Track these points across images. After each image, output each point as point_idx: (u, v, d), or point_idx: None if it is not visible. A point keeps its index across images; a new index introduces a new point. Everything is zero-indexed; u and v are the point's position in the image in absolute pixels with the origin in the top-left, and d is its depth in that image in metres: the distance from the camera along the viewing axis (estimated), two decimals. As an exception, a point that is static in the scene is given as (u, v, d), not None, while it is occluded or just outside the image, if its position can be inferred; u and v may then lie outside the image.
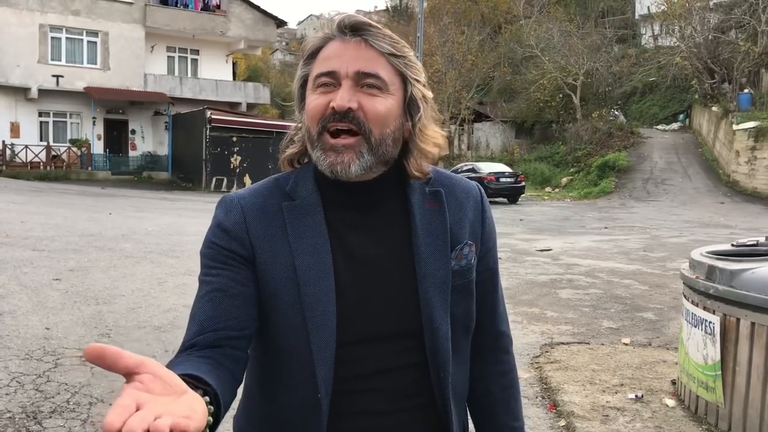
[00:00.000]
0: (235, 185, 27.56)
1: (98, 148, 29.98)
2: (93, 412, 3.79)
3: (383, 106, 1.08)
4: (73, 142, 29.34)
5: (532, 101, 35.19)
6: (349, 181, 1.11)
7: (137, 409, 0.66)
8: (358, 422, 1.14)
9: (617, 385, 4.41)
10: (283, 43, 74.25)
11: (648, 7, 37.57)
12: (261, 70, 54.26)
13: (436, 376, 1.15)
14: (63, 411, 3.78)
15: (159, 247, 10.09)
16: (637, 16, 42.11)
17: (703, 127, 31.00)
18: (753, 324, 3.42)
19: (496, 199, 24.41)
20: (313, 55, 1.13)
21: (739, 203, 21.94)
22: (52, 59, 28.62)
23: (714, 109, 28.33)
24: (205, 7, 32.52)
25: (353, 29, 1.09)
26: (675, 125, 34.66)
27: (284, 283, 1.10)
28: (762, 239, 4.14)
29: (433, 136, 1.16)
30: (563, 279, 8.63)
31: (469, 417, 1.30)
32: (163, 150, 31.43)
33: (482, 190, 1.29)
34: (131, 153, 31.36)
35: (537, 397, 4.28)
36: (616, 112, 35.51)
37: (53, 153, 28.46)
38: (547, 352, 5.26)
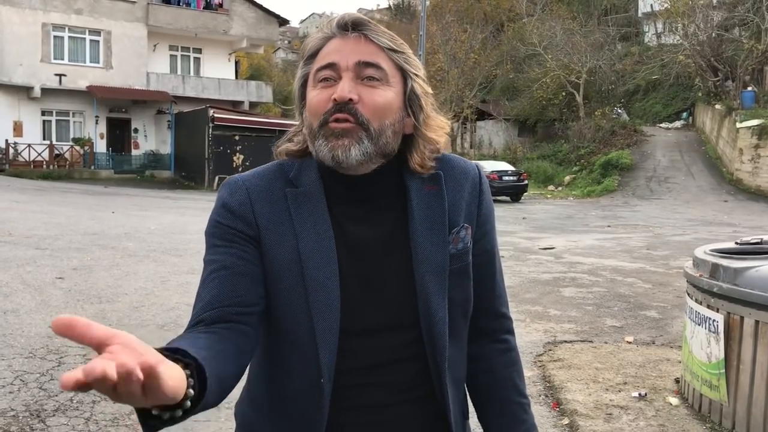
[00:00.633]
0: (237, 184, 27.54)
1: (101, 147, 30.02)
2: (96, 410, 3.80)
3: (382, 98, 1.10)
4: (76, 141, 29.38)
5: (534, 99, 35.14)
6: (349, 174, 1.12)
7: None
8: (358, 415, 1.14)
9: (620, 384, 4.41)
10: (286, 42, 74.28)
11: (651, 5, 37.51)
12: (263, 68, 54.27)
13: (434, 364, 1.15)
14: (66, 409, 3.79)
15: (162, 245, 10.10)
16: (640, 14, 42.03)
17: (706, 125, 30.93)
18: (757, 322, 3.41)
19: (499, 198, 24.38)
20: (313, 55, 1.14)
21: (743, 201, 21.90)
22: (54, 58, 28.66)
23: (717, 107, 28.27)
24: (208, 6, 32.53)
25: (353, 25, 1.11)
26: (678, 123, 34.59)
27: (288, 266, 1.11)
28: (766, 237, 4.12)
29: (440, 125, 1.18)
30: (566, 277, 8.62)
31: (469, 400, 1.29)
32: (166, 149, 31.45)
33: (481, 171, 1.28)
34: (134, 152, 31.40)
35: (540, 396, 4.27)
36: (619, 110, 35.44)
37: (56, 152, 28.50)
38: (550, 350, 5.25)
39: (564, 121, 34.66)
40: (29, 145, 27.77)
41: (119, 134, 31.19)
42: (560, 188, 29.49)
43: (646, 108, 36.88)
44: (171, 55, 32.68)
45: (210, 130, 27.62)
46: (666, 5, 32.55)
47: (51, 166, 27.94)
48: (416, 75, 1.14)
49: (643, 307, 6.89)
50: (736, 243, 4.14)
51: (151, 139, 31.95)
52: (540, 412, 3.97)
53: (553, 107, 34.91)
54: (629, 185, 26.64)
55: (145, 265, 8.46)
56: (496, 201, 23.80)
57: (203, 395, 0.87)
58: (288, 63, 64.57)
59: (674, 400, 4.09)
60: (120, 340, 0.70)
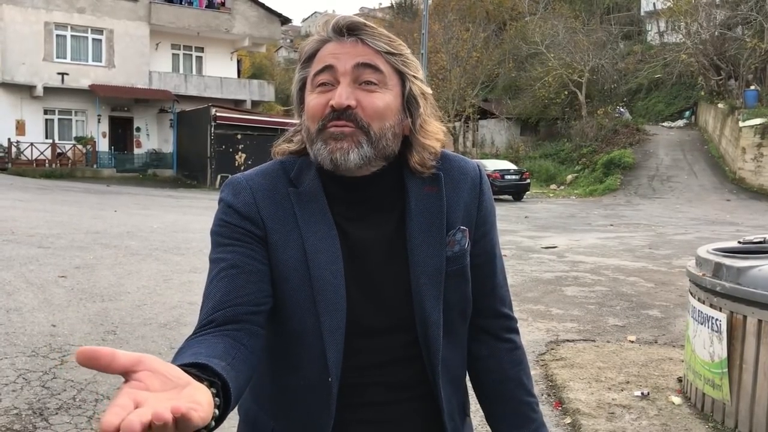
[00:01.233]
0: (239, 183, 27.56)
1: (103, 145, 30.05)
2: (99, 408, 3.80)
3: (381, 101, 1.09)
4: (78, 139, 29.41)
5: (537, 98, 35.11)
6: (348, 176, 1.12)
7: (136, 407, 0.64)
8: (361, 412, 1.16)
9: (623, 383, 4.40)
10: (288, 41, 74.24)
11: (654, 4, 37.46)
12: (265, 67, 54.27)
13: (429, 365, 1.17)
14: (69, 408, 3.79)
15: (164, 244, 10.11)
16: (642, 13, 41.96)
17: (709, 124, 30.88)
18: (760, 321, 3.41)
19: (501, 197, 24.37)
20: (310, 58, 1.14)
21: (745, 200, 21.87)
22: (57, 57, 28.69)
23: (720, 105, 28.22)
24: (210, 5, 32.54)
25: (348, 30, 1.10)
26: (681, 122, 34.54)
27: (295, 266, 1.11)
28: (769, 236, 4.12)
29: (435, 132, 1.17)
30: (569, 276, 8.62)
31: (476, 398, 1.30)
32: (168, 147, 31.47)
33: (482, 171, 1.27)
34: (136, 150, 31.42)
35: (542, 395, 4.27)
36: (622, 109, 35.39)
37: (58, 151, 28.53)
38: (552, 349, 5.25)
39: (566, 120, 34.63)
40: (32, 144, 27.80)
41: (121, 133, 31.22)
42: (562, 187, 29.47)
43: (649, 107, 36.83)
44: (173, 54, 32.70)
45: (212, 129, 27.63)
46: (669, 4, 32.51)
47: (53, 165, 27.97)
48: (414, 77, 1.14)
49: (645, 306, 6.88)
50: (739, 242, 4.14)
51: (154, 137, 31.97)
52: (542, 411, 3.97)
53: (556, 106, 34.87)
54: (631, 184, 26.62)
55: (147, 263, 8.47)
56: (498, 200, 23.90)
57: (227, 411, 0.86)
58: (290, 62, 64.56)
59: (677, 400, 4.09)
60: (146, 366, 0.69)
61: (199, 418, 0.67)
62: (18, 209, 13.86)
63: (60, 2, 28.62)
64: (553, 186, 29.88)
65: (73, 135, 29.76)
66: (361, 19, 1.12)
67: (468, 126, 40.05)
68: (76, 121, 30.21)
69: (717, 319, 3.64)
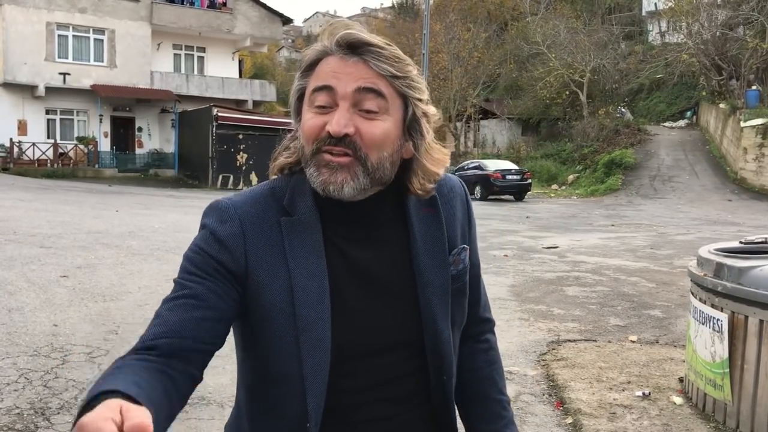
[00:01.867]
0: (241, 182, 27.61)
1: (105, 145, 30.08)
2: (100, 408, 3.81)
3: (380, 129, 1.05)
4: (80, 139, 29.44)
5: (538, 98, 35.10)
6: (346, 200, 1.08)
7: None
8: (367, 427, 1.14)
9: (624, 383, 4.40)
10: (289, 41, 74.30)
11: (655, 4, 37.43)
12: (267, 67, 54.33)
13: (438, 379, 1.17)
14: (71, 407, 3.80)
15: (166, 244, 10.11)
16: (644, 13, 41.94)
17: (710, 124, 30.86)
18: (761, 321, 3.41)
19: (502, 197, 24.37)
20: (311, 67, 1.09)
21: (747, 200, 21.85)
22: (59, 57, 28.72)
23: (721, 106, 28.20)
24: (211, 5, 32.57)
25: (353, 47, 1.04)
26: (682, 122, 34.52)
27: (281, 307, 1.06)
28: (770, 236, 4.12)
29: (441, 159, 1.14)
30: (570, 276, 8.62)
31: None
32: (170, 147, 31.50)
33: (464, 184, 1.29)
34: (138, 150, 31.45)
35: (544, 395, 4.27)
36: (623, 110, 35.39)
37: (60, 150, 28.56)
38: (553, 349, 5.25)
39: (567, 120, 34.62)
40: (33, 144, 27.84)
41: (123, 133, 31.25)
42: (564, 187, 29.46)
43: (650, 107, 36.81)
44: (175, 54, 32.73)
45: (214, 128, 27.65)
46: (670, 4, 32.48)
47: (55, 165, 28.01)
48: (419, 99, 1.09)
49: (646, 307, 6.88)
50: (741, 242, 4.14)
51: (155, 137, 32.00)
52: (544, 411, 3.98)
53: (557, 106, 34.86)
54: (633, 184, 26.61)
55: (149, 263, 8.48)
56: (499, 200, 23.92)
57: None
58: (292, 62, 64.60)
59: (678, 400, 4.08)
60: None
61: None
62: (20, 209, 13.88)
63: (61, 2, 28.65)
64: (554, 186, 29.88)
65: (75, 135, 29.79)
66: (368, 37, 1.05)
67: (469, 126, 40.06)
68: (78, 121, 30.24)
69: (718, 319, 3.64)
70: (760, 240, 4.03)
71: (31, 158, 27.92)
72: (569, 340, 5.53)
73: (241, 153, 28.09)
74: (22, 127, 28.60)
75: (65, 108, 29.74)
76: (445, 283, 1.16)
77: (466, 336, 1.28)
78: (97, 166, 29.23)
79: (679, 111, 35.37)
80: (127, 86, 29.81)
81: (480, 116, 39.27)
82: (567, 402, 4.08)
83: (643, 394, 4.18)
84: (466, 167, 26.00)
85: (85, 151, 29.21)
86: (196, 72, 33.18)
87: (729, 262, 3.65)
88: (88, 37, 29.52)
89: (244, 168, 28.03)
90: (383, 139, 1.05)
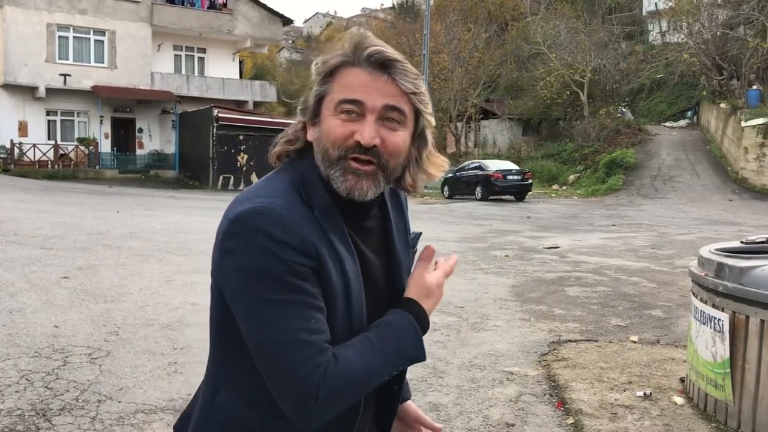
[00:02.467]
0: (242, 183, 27.61)
1: (105, 146, 30.10)
2: (101, 409, 3.81)
3: (401, 139, 1.17)
4: (81, 140, 29.47)
5: (539, 98, 35.10)
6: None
7: None
8: (369, 407, 1.27)
9: (625, 383, 4.40)
10: (290, 41, 74.31)
11: (656, 4, 37.42)
12: (267, 68, 54.35)
13: None
14: (72, 408, 3.80)
15: (167, 245, 10.12)
16: (644, 13, 41.93)
17: (711, 123, 30.85)
18: (762, 321, 3.40)
19: (503, 197, 24.36)
20: (332, 73, 1.16)
21: (748, 200, 21.84)
22: (59, 58, 28.74)
23: (722, 105, 28.19)
24: (212, 6, 32.59)
25: (383, 65, 1.15)
26: (683, 122, 34.52)
27: (341, 290, 1.14)
28: (771, 236, 4.11)
29: (440, 164, 1.28)
30: (571, 276, 8.61)
31: None
32: (170, 148, 31.52)
33: None
34: (138, 151, 31.47)
35: (545, 395, 4.26)
36: (624, 109, 35.39)
37: (61, 152, 28.58)
38: (555, 349, 5.25)
39: (568, 120, 34.62)
40: (34, 145, 27.86)
41: (124, 134, 31.27)
42: (564, 187, 29.46)
43: (651, 107, 36.81)
44: (175, 55, 32.76)
45: (214, 129, 27.67)
46: (671, 4, 32.47)
47: (56, 166, 28.03)
48: (430, 114, 1.22)
49: (648, 307, 6.87)
50: (742, 242, 4.13)
51: (156, 138, 32.02)
52: (545, 412, 3.98)
53: (558, 106, 34.86)
54: (634, 184, 26.60)
55: (149, 264, 8.48)
56: (500, 200, 23.91)
57: None
58: (292, 62, 64.62)
59: (679, 400, 4.08)
60: None
61: None
62: (20, 210, 13.89)
63: (62, 3, 28.67)
64: (555, 186, 29.87)
65: (76, 136, 29.82)
66: (396, 55, 1.17)
67: (470, 126, 40.06)
68: (79, 122, 30.26)
69: (719, 320, 3.64)
70: (761, 240, 4.03)
71: (32, 159, 27.94)
72: (570, 341, 5.53)
73: (241, 154, 28.10)
74: (23, 129, 28.61)
75: (66, 109, 29.76)
76: (409, 265, 1.32)
77: None
78: (97, 167, 29.25)
79: (680, 111, 35.36)
80: (128, 87, 29.84)
81: (480, 116, 39.27)
82: (568, 402, 4.07)
83: (645, 394, 4.18)
84: (466, 168, 25.99)
85: (86, 152, 29.23)
86: (196, 73, 33.21)
87: (730, 262, 3.65)
88: (89, 38, 29.54)
89: (244, 169, 28.04)
90: (402, 148, 1.18)
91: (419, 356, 1.20)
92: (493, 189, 23.93)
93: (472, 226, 14.97)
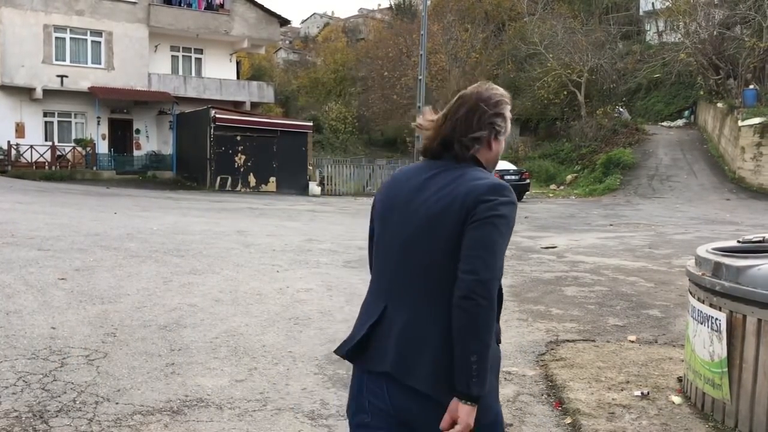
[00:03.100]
0: (239, 184, 27.59)
1: (103, 147, 30.04)
2: (99, 411, 3.80)
3: None
4: (78, 141, 29.41)
5: (536, 99, 35.12)
6: None
7: None
8: None
9: (623, 383, 4.40)
10: (287, 42, 74.22)
11: (652, 3, 37.47)
12: (265, 68, 54.24)
13: None
14: (69, 410, 3.79)
15: (164, 246, 10.10)
16: (641, 13, 41.98)
17: (708, 123, 30.90)
18: (760, 321, 3.41)
19: (501, 197, 24.26)
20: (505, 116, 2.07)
21: (745, 200, 21.88)
22: (56, 59, 28.68)
23: (719, 105, 28.24)
24: (209, 7, 32.54)
25: None
26: (680, 122, 34.56)
27: None
28: (768, 235, 4.12)
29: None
30: (568, 276, 8.62)
31: None
32: (168, 149, 31.48)
33: None
34: (136, 152, 31.42)
35: (542, 395, 4.27)
36: (621, 109, 35.42)
37: (58, 153, 28.53)
38: (552, 349, 5.25)
39: (566, 120, 34.66)
40: (31, 147, 27.80)
41: (121, 135, 31.22)
42: (562, 187, 29.48)
43: (648, 106, 36.85)
44: (172, 56, 32.71)
45: (212, 130, 27.63)
46: (667, 3, 32.55)
47: (53, 167, 27.97)
48: None
49: (645, 306, 6.88)
50: (739, 241, 4.14)
51: (153, 139, 31.98)
52: (542, 412, 3.98)
53: (555, 106, 34.88)
54: (631, 184, 26.63)
55: (147, 265, 8.47)
56: (497, 200, 23.82)
57: None
58: (289, 63, 64.54)
59: (677, 399, 4.09)
60: None
61: None
62: (18, 212, 13.86)
63: (59, 5, 28.62)
64: (552, 186, 29.89)
65: (73, 137, 29.76)
66: None
67: (467, 126, 39.98)
68: (76, 123, 30.21)
69: (717, 319, 3.64)
70: (757, 239, 4.03)
71: (29, 161, 27.88)
72: (568, 340, 5.53)
73: (239, 154, 28.06)
74: (20, 130, 28.56)
75: (63, 110, 29.71)
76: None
77: None
78: (95, 168, 29.20)
79: (677, 110, 35.41)
80: (125, 88, 29.79)
81: (478, 117, 39.23)
82: (566, 402, 4.08)
83: (642, 393, 4.18)
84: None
85: (83, 153, 29.18)
86: (193, 74, 33.16)
87: (727, 261, 3.65)
88: (86, 39, 29.49)
89: (242, 169, 28.01)
90: None
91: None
92: None
93: (470, 226, 14.94)
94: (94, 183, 26.47)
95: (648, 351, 5.23)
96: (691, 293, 4.06)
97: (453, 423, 1.76)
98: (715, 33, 28.60)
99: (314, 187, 27.99)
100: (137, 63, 30.21)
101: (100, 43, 29.72)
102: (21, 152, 27.89)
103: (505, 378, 4.53)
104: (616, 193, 25.71)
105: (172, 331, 5.50)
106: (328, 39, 60.19)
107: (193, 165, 29.27)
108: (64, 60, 28.89)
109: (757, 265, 3.47)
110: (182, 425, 3.66)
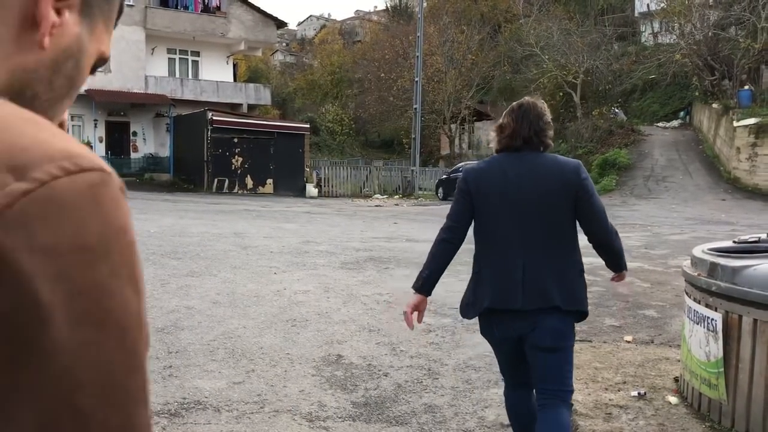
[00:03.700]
0: (237, 186, 27.58)
1: (100, 150, 30.01)
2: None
3: None
4: (75, 144, 29.40)
5: (532, 100, 35.11)
6: None
7: None
8: None
9: (620, 383, 4.42)
10: (284, 44, 74.23)
11: (647, 5, 37.57)
12: (261, 71, 54.24)
13: None
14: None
15: (161, 248, 10.10)
16: (636, 14, 42.09)
17: (703, 124, 30.98)
18: (755, 321, 3.42)
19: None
20: None
21: (741, 200, 21.93)
22: (52, 62, 28.66)
23: (714, 106, 28.31)
24: (205, 9, 32.55)
25: None
26: (676, 122, 34.63)
27: None
28: (763, 236, 4.14)
29: None
30: (565, 277, 8.62)
31: None
32: (165, 152, 31.47)
33: None
34: (133, 155, 31.41)
35: None
36: (617, 110, 35.48)
37: (55, 156, 28.49)
38: (549, 350, 5.26)
39: (561, 122, 34.69)
40: (27, 149, 27.76)
41: (118, 137, 31.20)
42: (559, 188, 29.46)
43: (644, 107, 36.92)
44: (169, 59, 32.70)
45: (209, 132, 27.62)
46: (662, 5, 32.62)
47: (49, 170, 27.93)
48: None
49: (641, 307, 6.90)
50: (734, 242, 4.16)
51: (150, 142, 31.96)
52: (540, 412, 3.98)
53: (551, 107, 34.46)
54: (627, 184, 26.67)
55: (144, 268, 8.35)
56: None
57: None
58: (286, 65, 64.56)
59: (673, 399, 4.10)
60: None
61: None
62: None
63: (55, 7, 28.61)
64: (549, 187, 29.88)
65: (69, 140, 29.73)
66: None
67: (464, 128, 40.11)
68: (73, 126, 30.17)
69: (713, 319, 3.66)
70: (753, 239, 4.05)
71: (26, 164, 27.85)
72: (565, 341, 5.54)
73: (236, 156, 28.06)
74: (16, 133, 28.55)
75: (59, 113, 29.68)
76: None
77: None
78: (91, 171, 29.16)
79: (673, 111, 35.49)
80: (122, 91, 29.78)
81: (474, 118, 39.34)
82: (563, 403, 4.08)
83: (639, 394, 4.20)
84: (460, 169, 25.98)
85: (80, 156, 29.15)
86: (190, 76, 33.16)
87: (723, 261, 3.67)
88: (82, 42, 29.48)
89: (239, 172, 28.01)
90: None
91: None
92: None
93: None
94: (91, 186, 26.37)
95: (645, 351, 5.25)
96: (687, 294, 4.08)
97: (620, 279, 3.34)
98: (710, 34, 28.68)
99: (311, 189, 28.00)
100: (134, 65, 30.19)
101: (96, 45, 29.71)
102: (17, 155, 27.88)
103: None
104: (612, 194, 25.75)
105: (169, 334, 5.50)
106: (325, 41, 60.20)
107: (190, 167, 29.25)
108: (60, 63, 28.87)
109: (753, 266, 3.49)
110: (180, 427, 3.67)
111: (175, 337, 5.39)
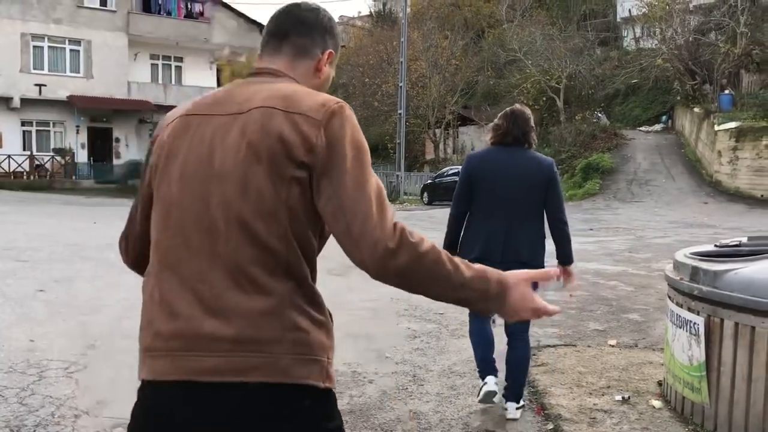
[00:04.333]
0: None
1: (82, 157, 29.80)
2: (78, 424, 3.76)
3: None
4: (57, 151, 29.14)
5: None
6: None
7: None
8: None
9: (604, 387, 4.43)
10: (267, 50, 74.07)
11: (629, 10, 37.85)
12: (246, 76, 54.09)
13: None
14: (48, 424, 3.74)
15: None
16: (618, 19, 42.41)
17: (685, 128, 31.25)
18: (737, 324, 3.45)
19: (482, 203, 24.37)
20: None
21: (723, 203, 22.13)
22: (34, 68, 28.44)
23: (696, 110, 28.57)
24: (189, 15, 32.45)
25: None
26: (658, 126, 34.90)
27: None
28: (745, 240, 4.18)
29: None
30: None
31: None
32: (148, 158, 31.28)
33: None
34: (115, 161, 31.20)
35: (524, 401, 4.28)
36: (600, 114, 35.71)
37: (37, 162, 28.24)
38: (533, 355, 5.26)
39: (545, 126, 34.85)
40: (9, 156, 27.50)
41: (101, 144, 30.98)
42: (543, 192, 29.57)
43: (626, 112, 37.18)
44: (152, 64, 32.56)
45: (192, 138, 27.48)
46: (644, 10, 32.89)
47: (32, 177, 27.69)
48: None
49: (625, 310, 6.94)
50: (716, 246, 4.19)
51: (133, 148, 31.76)
52: (524, 417, 3.99)
53: (534, 112, 34.71)
54: (610, 188, 26.83)
55: (127, 276, 8.32)
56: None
57: None
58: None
59: (657, 403, 4.12)
60: None
61: None
62: (-5, 223, 13.68)
63: (36, 13, 28.37)
64: (533, 191, 29.99)
65: (52, 146, 29.49)
66: None
67: (448, 133, 40.20)
68: (55, 132, 29.94)
69: (695, 323, 3.68)
70: (734, 243, 4.09)
71: (7, 171, 27.58)
72: (549, 346, 5.56)
73: (220, 162, 27.94)
74: (-3, 139, 28.25)
75: (41, 119, 29.43)
76: None
77: None
78: (74, 177, 28.94)
79: (655, 115, 35.75)
80: (104, 97, 29.59)
81: (459, 123, 39.43)
82: (548, 408, 4.10)
83: (623, 398, 4.21)
84: (445, 174, 26.06)
85: (62, 162, 28.91)
86: (173, 82, 33.03)
87: (704, 265, 3.70)
88: (64, 48, 29.27)
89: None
90: None
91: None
92: None
93: (452, 233, 14.98)
94: (74, 193, 26.20)
95: (628, 355, 5.28)
96: (669, 297, 4.11)
97: (562, 276, 4.14)
98: (690, 39, 28.96)
99: (296, 195, 27.92)
100: (116, 71, 30.02)
101: (78, 51, 29.51)
102: (-2, 162, 27.59)
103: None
104: (595, 198, 25.89)
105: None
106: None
107: (173, 173, 29.09)
108: (42, 69, 28.64)
109: (734, 270, 3.51)
110: None
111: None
